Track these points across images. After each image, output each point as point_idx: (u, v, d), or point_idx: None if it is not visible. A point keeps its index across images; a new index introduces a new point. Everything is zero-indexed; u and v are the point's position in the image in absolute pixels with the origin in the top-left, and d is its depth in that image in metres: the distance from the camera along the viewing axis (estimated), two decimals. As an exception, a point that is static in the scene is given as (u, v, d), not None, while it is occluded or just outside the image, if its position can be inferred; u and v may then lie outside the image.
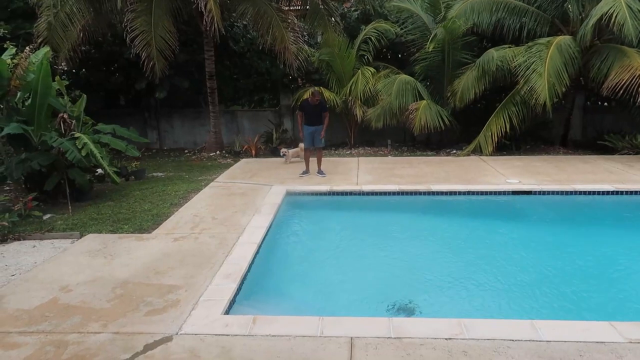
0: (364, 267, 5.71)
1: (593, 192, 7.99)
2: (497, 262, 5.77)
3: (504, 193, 8.11)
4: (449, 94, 12.07)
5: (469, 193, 8.14)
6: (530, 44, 10.86)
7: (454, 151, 12.31)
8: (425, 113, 11.27)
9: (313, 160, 9.73)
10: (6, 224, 6.34)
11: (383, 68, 13.42)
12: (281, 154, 11.18)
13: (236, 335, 3.80)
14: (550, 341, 3.62)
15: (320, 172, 9.59)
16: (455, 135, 12.81)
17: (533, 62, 10.37)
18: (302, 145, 10.24)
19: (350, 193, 8.29)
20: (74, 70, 14.44)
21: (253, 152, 13.08)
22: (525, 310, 4.55)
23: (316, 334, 3.79)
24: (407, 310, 4.66)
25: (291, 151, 11.08)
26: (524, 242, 6.50)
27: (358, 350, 3.56)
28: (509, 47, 11.26)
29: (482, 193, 8.12)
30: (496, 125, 11.10)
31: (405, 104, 11.63)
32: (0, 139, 9.23)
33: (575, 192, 8.04)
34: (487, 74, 11.19)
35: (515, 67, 10.79)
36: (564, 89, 10.50)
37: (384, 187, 8.38)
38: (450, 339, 3.68)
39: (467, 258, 5.86)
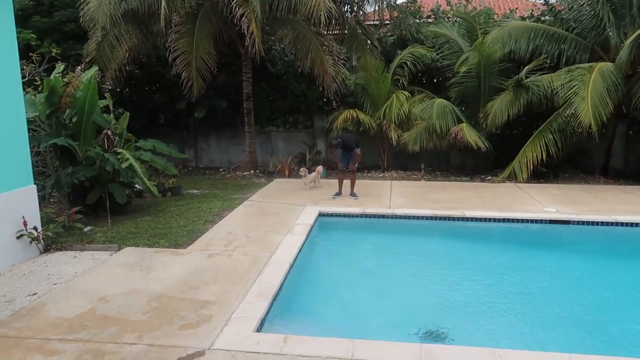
0: (395, 291, 5.68)
1: (635, 223, 7.71)
2: (531, 292, 5.63)
3: (541, 221, 7.93)
4: (481, 115, 11.96)
5: (503, 220, 7.99)
6: (571, 67, 10.68)
7: (489, 177, 12.14)
8: (470, 133, 11.20)
9: (347, 183, 9.79)
10: (50, 234, 6.61)
11: (418, 92, 13.44)
12: (301, 173, 10.65)
13: (267, 353, 3.84)
14: (588, 377, 3.50)
15: (352, 194, 9.61)
16: (490, 161, 12.65)
17: (574, 86, 10.17)
18: (319, 168, 10.96)
19: (383, 216, 8.27)
20: (118, 90, 15.07)
21: (286, 172, 13.23)
22: (559, 343, 4.41)
23: (347, 356, 3.78)
24: (438, 336, 4.59)
25: (310, 175, 10.67)
26: (560, 273, 6.32)
27: (388, 375, 3.53)
28: (547, 73, 11.14)
29: (517, 220, 7.96)
30: (532, 152, 10.90)
31: (446, 126, 11.60)
32: (50, 153, 9.73)
33: (616, 223, 7.77)
34: (521, 97, 11.07)
35: (556, 89, 10.61)
36: (607, 115, 10.18)
37: (417, 211, 8.33)
38: (483, 369, 3.61)
39: (501, 286, 5.74)
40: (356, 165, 9.83)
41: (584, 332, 4.71)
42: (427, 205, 8.84)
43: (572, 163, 12.72)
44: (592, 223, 7.82)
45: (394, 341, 4.10)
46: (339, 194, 9.70)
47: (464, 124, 11.59)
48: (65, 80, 8.78)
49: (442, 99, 12.17)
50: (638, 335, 4.68)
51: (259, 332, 4.28)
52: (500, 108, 11.38)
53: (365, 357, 3.76)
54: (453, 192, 10.20)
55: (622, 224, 7.74)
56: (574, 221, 7.86)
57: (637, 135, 13.92)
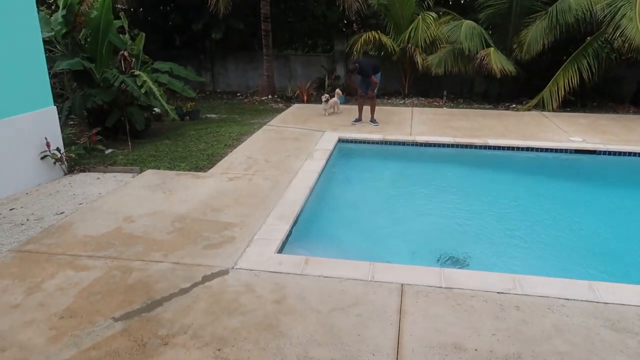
0: (416, 217, 5.70)
1: (666, 154, 7.48)
2: (554, 221, 5.59)
3: (566, 151, 7.73)
4: (514, 45, 11.37)
5: (527, 149, 7.81)
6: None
7: (514, 105, 11.76)
8: (497, 58, 10.72)
9: (366, 109, 9.58)
10: (73, 155, 6.68)
11: (444, 14, 12.75)
12: (323, 98, 10.35)
13: (289, 273, 3.92)
14: (608, 303, 3.51)
15: (373, 120, 9.45)
16: (516, 88, 12.18)
17: (621, 7, 9.47)
18: (338, 91, 10.74)
19: (404, 143, 8.15)
20: (132, 10, 14.62)
21: (305, 97, 12.99)
22: (582, 272, 4.42)
23: (367, 278, 3.85)
24: (458, 262, 4.64)
25: (331, 101, 10.37)
26: (585, 203, 6.24)
27: (408, 297, 3.59)
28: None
29: (541, 150, 7.77)
30: (564, 79, 10.43)
31: (475, 49, 11.08)
32: (66, 75, 9.63)
33: (645, 154, 7.54)
34: (559, 24, 10.41)
35: (596, 11, 9.92)
36: None
37: (439, 139, 8.17)
38: (502, 293, 3.65)
39: (523, 215, 5.71)
40: (375, 91, 9.58)
41: (605, 261, 4.70)
42: (449, 133, 8.65)
43: (601, 92, 12.18)
44: (620, 153, 7.61)
45: (414, 265, 4.14)
46: (358, 120, 9.53)
47: (492, 49, 11.04)
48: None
49: (470, 21, 11.53)
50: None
51: (280, 253, 4.36)
52: (535, 37, 10.75)
53: (386, 279, 3.82)
54: (476, 120, 9.94)
55: (652, 155, 7.51)
56: (600, 151, 7.65)
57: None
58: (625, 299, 3.57)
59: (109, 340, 3.10)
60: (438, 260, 4.64)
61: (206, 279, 3.85)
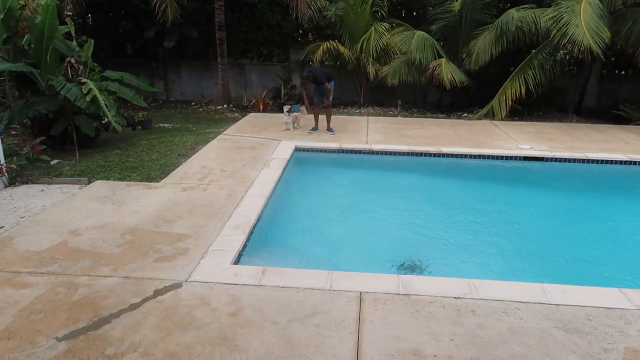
0: (372, 225, 5.70)
1: (606, 160, 7.85)
2: (506, 226, 5.74)
3: (515, 158, 8.00)
4: (464, 55, 11.75)
5: (479, 157, 8.03)
6: (560, 1, 10.34)
7: (465, 114, 12.12)
8: (448, 69, 11.01)
9: (322, 118, 9.59)
10: (14, 166, 6.31)
11: (397, 26, 13.02)
12: (285, 109, 9.57)
13: (245, 284, 3.81)
14: (559, 304, 3.60)
15: (329, 129, 9.46)
16: (467, 98, 12.57)
17: (564, 17, 9.91)
18: (303, 109, 10.09)
19: (360, 152, 8.20)
20: (79, 18, 14.09)
21: (261, 107, 12.90)
22: (533, 275, 4.54)
23: (325, 287, 3.79)
24: (414, 269, 4.66)
25: (293, 114, 9.64)
26: (534, 208, 6.45)
27: (367, 305, 3.56)
28: (531, 8, 10.84)
29: (493, 157, 8.01)
30: (511, 89, 10.85)
31: (426, 60, 11.35)
32: (8, 82, 9.14)
33: (588, 161, 7.90)
34: (505, 35, 10.85)
35: (545, 22, 10.35)
36: (607, 41, 9.84)
37: (394, 147, 8.28)
38: (459, 297, 3.68)
39: (477, 221, 5.83)
40: (330, 99, 9.54)
41: (556, 264, 4.85)
42: (404, 141, 8.78)
43: (546, 102, 12.77)
44: (566, 160, 7.94)
45: (372, 272, 4.12)
46: (315, 129, 9.53)
47: (443, 59, 11.37)
48: (22, 2, 8.11)
49: (422, 32, 11.83)
50: (603, 266, 4.85)
51: (236, 264, 4.24)
52: (483, 47, 11.15)
53: (344, 287, 3.78)
54: (430, 128, 10.15)
55: (594, 161, 7.88)
56: (547, 158, 7.96)
57: (611, 74, 14.02)
58: (575, 300, 3.67)
59: (51, 362, 2.90)
60: (396, 267, 4.64)
61: (158, 293, 3.68)
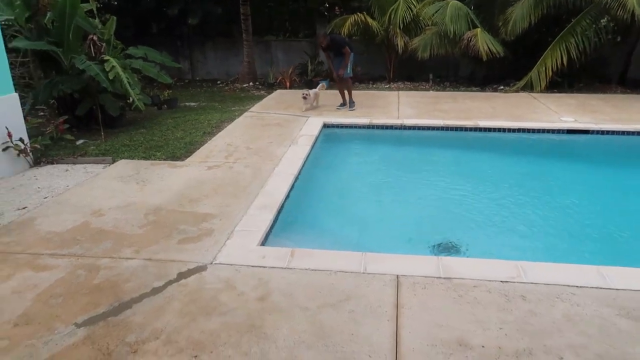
0: (407, 204, 5.38)
1: (658, 132, 7.27)
2: (552, 203, 5.33)
3: (558, 131, 7.49)
4: (500, 23, 11.08)
5: (519, 130, 7.55)
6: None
7: (501, 87, 11.51)
8: (484, 39, 10.41)
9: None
10: (39, 146, 6.21)
11: (428, -5, 12.39)
12: (302, 95, 8.93)
13: (273, 267, 3.57)
14: (620, 289, 3.24)
15: (350, 103, 9.01)
16: (502, 70, 11.92)
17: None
18: (323, 84, 9.79)
19: (392, 127, 7.82)
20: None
21: (287, 84, 12.58)
22: (587, 256, 4.15)
23: (359, 270, 3.52)
24: (453, 251, 4.33)
25: (312, 92, 9.04)
26: (581, 183, 5.99)
27: (405, 289, 3.27)
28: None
29: (533, 130, 7.52)
30: (552, 59, 10.18)
31: (460, 30, 10.77)
32: (32, 64, 9.07)
33: (637, 133, 7.33)
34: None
35: None
36: None
37: (428, 122, 7.87)
38: (506, 282, 3.35)
39: (519, 198, 5.43)
40: (348, 69, 8.84)
41: (611, 245, 4.45)
42: (437, 115, 8.35)
43: (588, 72, 11.98)
44: (613, 132, 7.39)
45: (409, 254, 3.82)
46: (343, 104, 9.15)
47: (479, 29, 10.75)
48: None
49: (456, 0, 11.20)
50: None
51: (263, 245, 4.01)
52: (521, 14, 10.44)
53: (379, 270, 3.50)
54: (464, 102, 9.66)
55: (644, 133, 7.30)
56: (593, 130, 7.42)
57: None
58: (637, 284, 3.30)
59: (70, 349, 2.73)
60: (434, 248, 4.33)
61: (182, 276, 3.48)
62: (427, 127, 7.74)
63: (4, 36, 7.22)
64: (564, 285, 3.29)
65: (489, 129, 7.58)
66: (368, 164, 6.76)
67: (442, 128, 7.70)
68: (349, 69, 8.85)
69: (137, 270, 3.56)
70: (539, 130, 7.50)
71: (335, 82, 9.28)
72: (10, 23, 7.83)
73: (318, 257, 3.72)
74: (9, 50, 8.26)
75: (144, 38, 14.65)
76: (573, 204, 5.30)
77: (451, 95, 10.76)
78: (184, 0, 12.77)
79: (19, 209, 4.75)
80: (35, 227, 4.33)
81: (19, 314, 3.06)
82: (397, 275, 3.44)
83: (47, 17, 7.94)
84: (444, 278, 3.41)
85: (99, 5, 9.03)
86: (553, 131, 7.48)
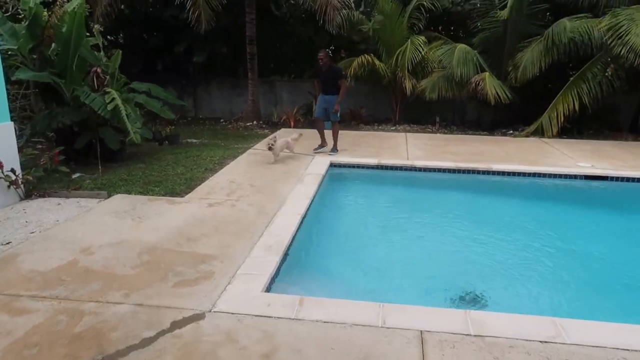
0: (422, 249, 4.99)
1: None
2: (579, 253, 4.95)
3: (575, 177, 7.18)
4: (509, 68, 11.02)
5: (535, 175, 7.24)
6: (617, 10, 9.56)
7: (510, 131, 11.32)
8: (492, 84, 10.29)
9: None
10: (31, 178, 5.87)
11: (435, 39, 12.43)
12: (268, 145, 7.54)
13: (280, 317, 3.16)
14: (678, 354, 2.82)
15: (334, 149, 8.24)
16: (510, 115, 11.77)
17: (622, 26, 9.11)
18: (294, 136, 8.14)
19: (401, 168, 7.51)
20: (109, 36, 13.99)
21: (291, 123, 12.40)
22: (628, 313, 3.74)
23: (377, 323, 3.11)
24: (475, 302, 3.92)
25: (279, 143, 7.64)
26: (606, 232, 5.63)
27: (431, 348, 2.86)
28: (586, 17, 10.08)
29: (550, 175, 7.21)
30: (563, 105, 10.02)
31: (467, 75, 10.67)
32: (33, 95, 8.88)
33: (658, 180, 7.03)
34: (556, 46, 10.08)
35: (600, 31, 9.56)
36: None
37: (439, 164, 7.56)
38: (546, 342, 2.94)
39: (543, 246, 5.03)
40: (338, 114, 8.04)
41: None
42: (447, 157, 8.06)
43: (597, 119, 11.84)
44: (633, 179, 7.07)
45: (432, 307, 3.41)
46: (322, 146, 8.37)
47: (487, 74, 10.67)
48: (48, 13, 7.85)
49: (464, 45, 11.18)
50: None
51: (269, 292, 3.60)
52: (531, 60, 10.39)
53: (400, 324, 3.09)
54: (474, 145, 9.41)
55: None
56: (612, 177, 7.11)
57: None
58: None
59: (38, 414, 2.29)
60: (456, 299, 3.91)
61: (176, 325, 3.06)
62: (438, 168, 7.43)
63: (6, 66, 7.06)
64: (613, 348, 2.88)
65: (503, 173, 7.27)
66: (378, 206, 6.41)
67: (453, 170, 7.40)
68: (338, 115, 8.16)
69: (126, 317, 3.14)
70: (555, 175, 7.18)
71: (316, 121, 8.44)
72: (13, 53, 7.68)
73: (330, 306, 3.31)
74: (11, 82, 8.13)
75: (150, 75, 14.63)
76: (600, 253, 4.92)
77: (460, 138, 10.55)
78: (190, 39, 12.77)
79: (2, 244, 4.36)
80: (17, 264, 3.92)
81: (-16, 367, 2.64)
82: (421, 331, 3.02)
83: (51, 49, 7.79)
84: (475, 335, 2.99)
85: (105, 43, 8.91)
86: (570, 176, 7.17)
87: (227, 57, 13.89)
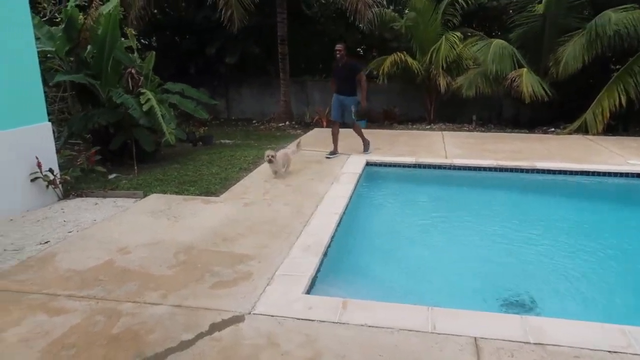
0: (465, 250, 4.75)
1: None
2: (629, 253, 4.61)
3: (628, 175, 6.77)
4: (550, 63, 10.57)
5: (583, 173, 6.86)
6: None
7: (552, 129, 10.87)
8: (529, 81, 9.90)
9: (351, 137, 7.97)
10: (68, 178, 5.91)
11: (471, 35, 12.06)
12: (266, 158, 6.39)
13: (322, 321, 3.00)
14: None
15: (366, 147, 7.87)
16: (549, 112, 11.30)
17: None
18: (292, 148, 7.14)
19: (440, 167, 7.25)
20: (143, 39, 14.19)
21: (324, 123, 12.24)
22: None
23: (426, 328, 2.92)
24: (531, 308, 3.67)
25: (279, 155, 6.52)
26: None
27: (488, 356, 2.65)
28: (633, 7, 9.58)
29: (599, 174, 6.82)
30: (608, 100, 9.54)
31: (503, 71, 10.30)
32: (70, 98, 9.01)
33: None
34: (600, 39, 9.61)
35: None
36: None
37: (479, 162, 7.26)
38: (615, 352, 2.69)
39: (598, 248, 4.71)
40: (352, 114, 7.40)
41: None
42: (487, 155, 7.75)
43: (643, 116, 11.24)
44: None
45: (484, 311, 3.19)
46: (334, 152, 7.78)
47: (524, 70, 10.25)
48: (83, 16, 7.95)
49: (500, 40, 10.80)
50: None
51: (309, 294, 3.45)
52: (573, 54, 9.92)
53: (451, 330, 2.88)
54: (514, 143, 9.04)
55: None
56: (668, 175, 6.68)
57: None
58: None
59: (76, 419, 2.20)
60: (506, 304, 3.67)
61: (215, 327, 2.94)
62: (478, 167, 7.14)
63: (44, 69, 7.17)
64: (692, 359, 2.60)
65: (548, 171, 6.92)
66: (417, 205, 6.18)
67: (495, 169, 7.09)
68: (352, 113, 7.50)
69: (163, 319, 3.04)
70: (605, 174, 6.79)
71: (332, 124, 7.84)
72: (51, 56, 7.80)
73: (375, 310, 3.14)
74: (50, 85, 8.27)
75: (182, 78, 14.70)
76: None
77: (499, 136, 10.18)
78: (222, 39, 12.80)
79: (40, 244, 4.36)
80: (56, 263, 3.90)
81: (22, 368, 2.57)
82: (475, 338, 2.81)
83: (87, 51, 7.89)
84: (534, 344, 2.77)
85: (139, 46, 8.98)
86: (622, 174, 6.76)
87: (259, 57, 13.87)
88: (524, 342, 2.77)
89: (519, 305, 3.66)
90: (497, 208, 6.04)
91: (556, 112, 11.21)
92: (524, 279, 4.15)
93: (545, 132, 10.69)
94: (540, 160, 7.33)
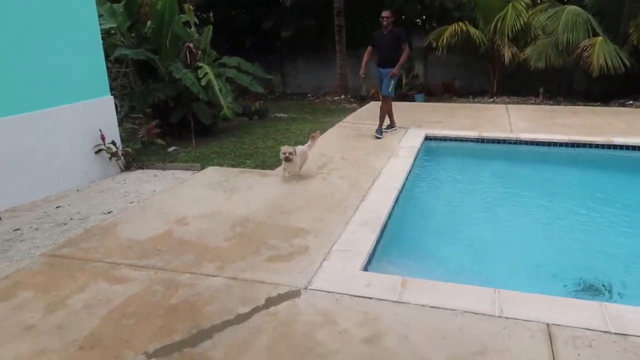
0: (533, 230, 4.44)
1: None
2: None
3: None
4: (631, 29, 9.67)
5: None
6: None
7: (630, 102, 10.02)
8: (602, 51, 9.12)
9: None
10: (130, 150, 6.06)
11: (540, 2, 11.24)
12: (282, 155, 5.09)
13: (382, 299, 2.88)
14: None
15: (390, 126, 7.42)
16: (629, 84, 10.39)
17: None
18: (309, 143, 5.73)
19: (504, 141, 6.85)
20: (200, 13, 14.27)
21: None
22: None
23: (492, 312, 2.72)
24: (610, 294, 3.37)
25: (299, 151, 5.24)
26: None
27: (562, 346, 2.43)
28: None
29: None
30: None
31: (576, 40, 9.54)
32: (132, 73, 9.22)
33: None
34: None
35: None
36: None
37: (548, 137, 6.80)
38: None
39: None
40: (390, 87, 6.90)
41: None
42: (557, 130, 7.24)
43: None
44: None
45: (556, 296, 2.94)
46: (391, 126, 7.47)
47: (599, 39, 9.45)
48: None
49: (574, 6, 9.97)
50: None
51: (366, 270, 3.32)
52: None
53: (520, 315, 2.68)
54: (587, 117, 8.40)
55: None
56: None
57: None
58: None
59: (135, 387, 2.21)
60: (580, 289, 3.40)
61: (271, 302, 2.89)
62: (547, 142, 6.68)
63: (107, 45, 7.34)
64: None
65: (627, 147, 6.37)
66: (481, 182, 5.87)
67: (566, 144, 6.61)
68: (390, 87, 7.02)
69: (220, 291, 3.02)
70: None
71: (381, 100, 7.36)
72: (113, 32, 7.97)
73: (436, 290, 2.97)
74: (112, 62, 8.50)
75: (237, 53, 14.78)
76: None
77: (570, 109, 9.50)
78: (278, 14, 12.67)
79: (103, 213, 4.48)
80: (117, 233, 3.98)
81: (86, 334, 2.62)
82: (548, 324, 2.59)
83: (147, 26, 7.99)
84: (615, 333, 2.51)
85: (196, 21, 9.00)
86: None
87: (314, 30, 13.64)
88: (604, 332, 2.52)
89: (596, 291, 3.38)
90: (568, 186, 5.63)
91: (636, 84, 10.31)
92: (600, 262, 3.82)
93: (623, 105, 9.87)
94: (619, 136, 6.75)
